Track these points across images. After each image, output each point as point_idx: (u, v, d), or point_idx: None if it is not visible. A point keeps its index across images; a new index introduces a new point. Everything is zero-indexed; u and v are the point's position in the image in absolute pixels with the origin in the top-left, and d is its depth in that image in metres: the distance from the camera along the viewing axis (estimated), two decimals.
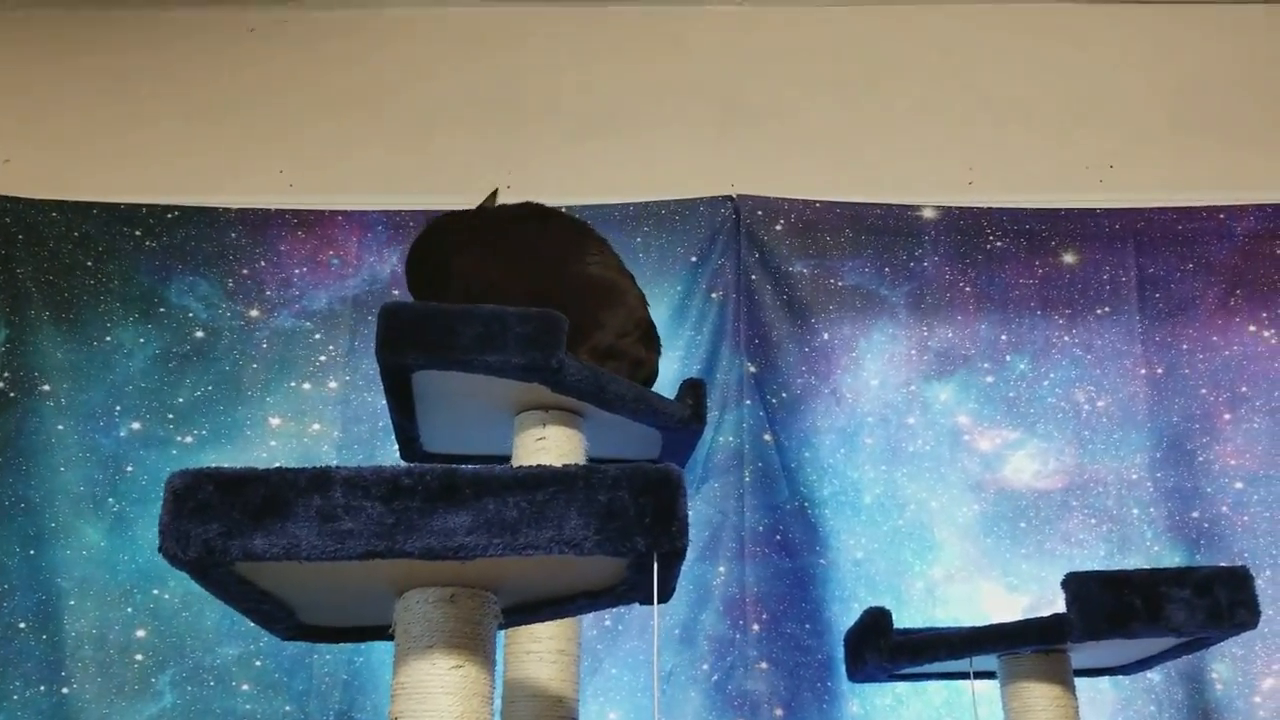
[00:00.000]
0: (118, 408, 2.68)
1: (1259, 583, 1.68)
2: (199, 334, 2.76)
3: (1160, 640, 1.73)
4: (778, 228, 2.86)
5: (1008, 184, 2.98)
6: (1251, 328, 2.80)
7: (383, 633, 1.18)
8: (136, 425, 2.68)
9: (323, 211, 2.88)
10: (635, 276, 1.88)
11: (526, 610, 1.26)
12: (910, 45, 3.16)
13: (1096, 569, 1.73)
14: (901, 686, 2.47)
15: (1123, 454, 2.69)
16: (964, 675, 1.92)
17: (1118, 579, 1.64)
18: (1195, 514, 2.64)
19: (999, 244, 2.87)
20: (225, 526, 1.01)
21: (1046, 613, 1.71)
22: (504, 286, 1.71)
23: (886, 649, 1.86)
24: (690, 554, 1.45)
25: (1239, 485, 2.67)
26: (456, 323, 1.52)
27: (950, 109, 3.09)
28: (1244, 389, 2.74)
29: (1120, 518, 2.64)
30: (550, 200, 1.90)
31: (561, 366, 1.54)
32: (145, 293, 2.78)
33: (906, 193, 2.93)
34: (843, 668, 2.07)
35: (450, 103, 3.08)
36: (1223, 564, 2.32)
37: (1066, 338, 2.79)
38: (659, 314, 2.32)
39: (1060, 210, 2.90)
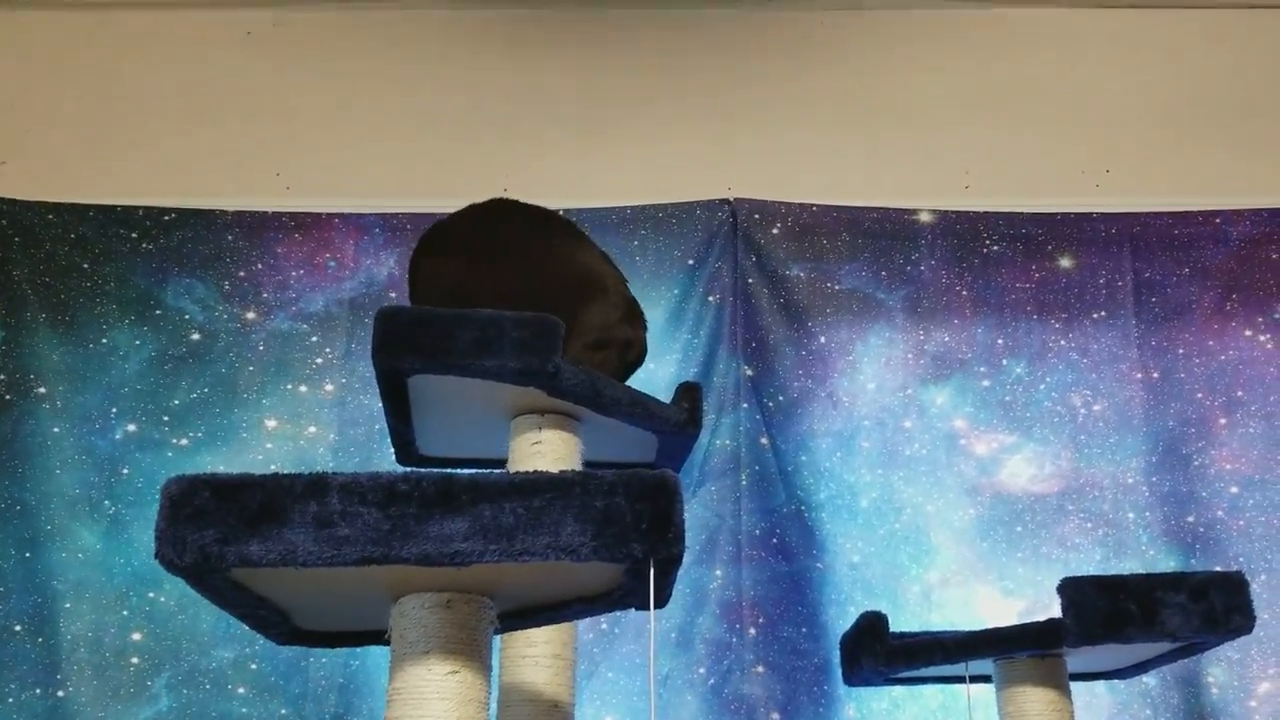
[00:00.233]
0: (114, 410, 2.67)
1: (1254, 587, 1.69)
2: (195, 336, 2.76)
3: (1156, 645, 1.73)
4: (774, 231, 2.86)
5: (1004, 188, 2.98)
6: (1247, 332, 2.80)
7: (379, 637, 1.18)
8: (132, 427, 2.67)
9: (319, 214, 2.87)
10: (625, 274, 1.87)
11: (523, 615, 1.25)
12: (906, 50, 3.16)
13: (1092, 573, 1.73)
14: (897, 690, 2.47)
15: (1119, 458, 2.69)
16: (960, 679, 1.93)
17: (1113, 584, 1.64)
18: (1191, 518, 2.65)
19: (995, 248, 2.87)
20: (221, 533, 1.01)
21: (1042, 617, 1.72)
22: (470, 287, 1.70)
23: (882, 653, 1.86)
24: (687, 557, 1.45)
25: (1234, 490, 2.67)
26: (453, 327, 1.52)
27: (947, 113, 3.09)
28: (1240, 393, 2.74)
29: (1116, 522, 2.64)
30: (548, 203, 1.89)
31: (558, 371, 1.54)
32: (141, 295, 2.78)
33: (903, 196, 2.93)
34: (839, 671, 2.07)
35: (448, 106, 3.08)
36: (1218, 568, 2.33)
37: (1063, 342, 2.79)
38: (655, 317, 2.33)
39: (1056, 214, 2.90)
